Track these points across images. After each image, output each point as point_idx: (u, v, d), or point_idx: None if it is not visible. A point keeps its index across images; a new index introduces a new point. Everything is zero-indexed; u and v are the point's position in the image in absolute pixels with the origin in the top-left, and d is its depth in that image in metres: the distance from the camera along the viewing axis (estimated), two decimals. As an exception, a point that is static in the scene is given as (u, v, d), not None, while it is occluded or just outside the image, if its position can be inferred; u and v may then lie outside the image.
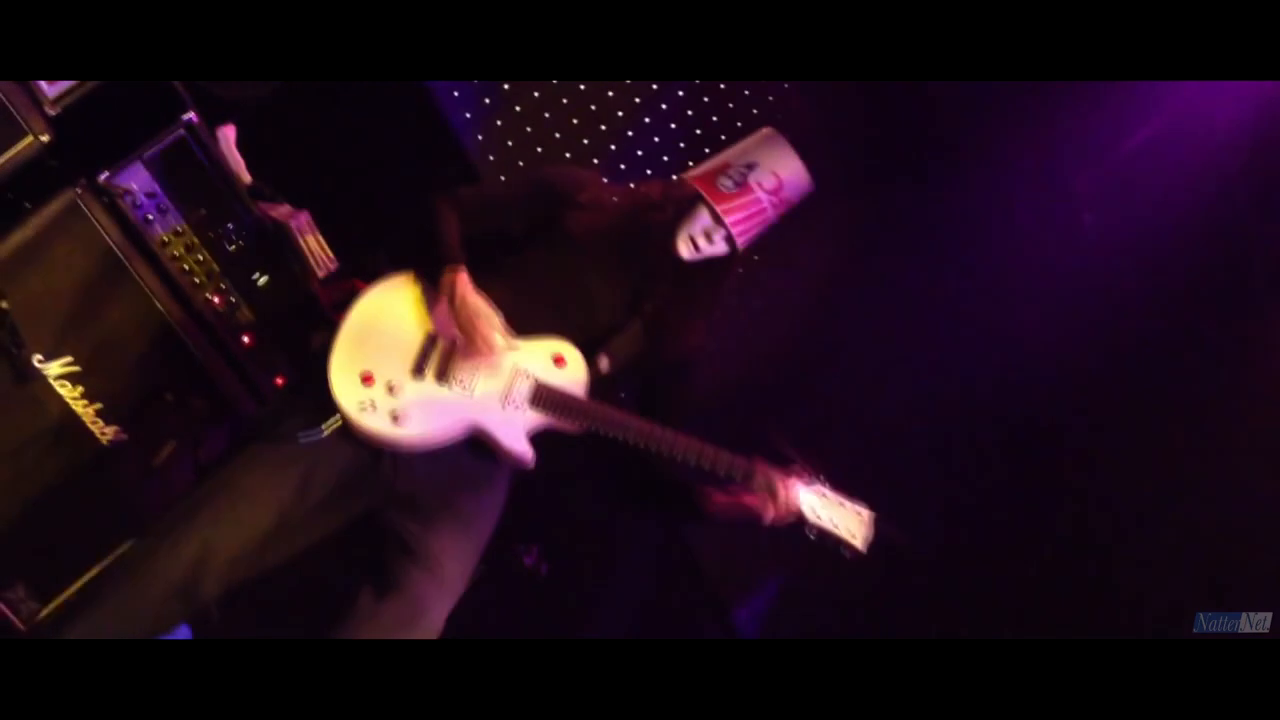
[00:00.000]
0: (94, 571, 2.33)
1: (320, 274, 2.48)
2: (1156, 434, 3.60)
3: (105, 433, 2.34)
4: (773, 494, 2.16)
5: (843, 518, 2.17)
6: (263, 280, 2.44)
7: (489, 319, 2.12)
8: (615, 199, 2.32)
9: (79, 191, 2.28)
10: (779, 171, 2.29)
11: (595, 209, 2.28)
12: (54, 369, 2.28)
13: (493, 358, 2.13)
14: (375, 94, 2.62)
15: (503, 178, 3.00)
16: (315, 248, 2.47)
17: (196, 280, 2.40)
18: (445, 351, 2.15)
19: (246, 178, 2.44)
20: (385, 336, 2.14)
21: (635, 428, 2.17)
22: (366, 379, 2.10)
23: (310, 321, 2.47)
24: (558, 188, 2.31)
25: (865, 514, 2.17)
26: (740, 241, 2.28)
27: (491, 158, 2.69)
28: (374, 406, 2.08)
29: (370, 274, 2.55)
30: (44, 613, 2.29)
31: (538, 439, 2.18)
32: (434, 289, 2.16)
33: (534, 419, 2.18)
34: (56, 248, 2.27)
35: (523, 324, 2.19)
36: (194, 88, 2.35)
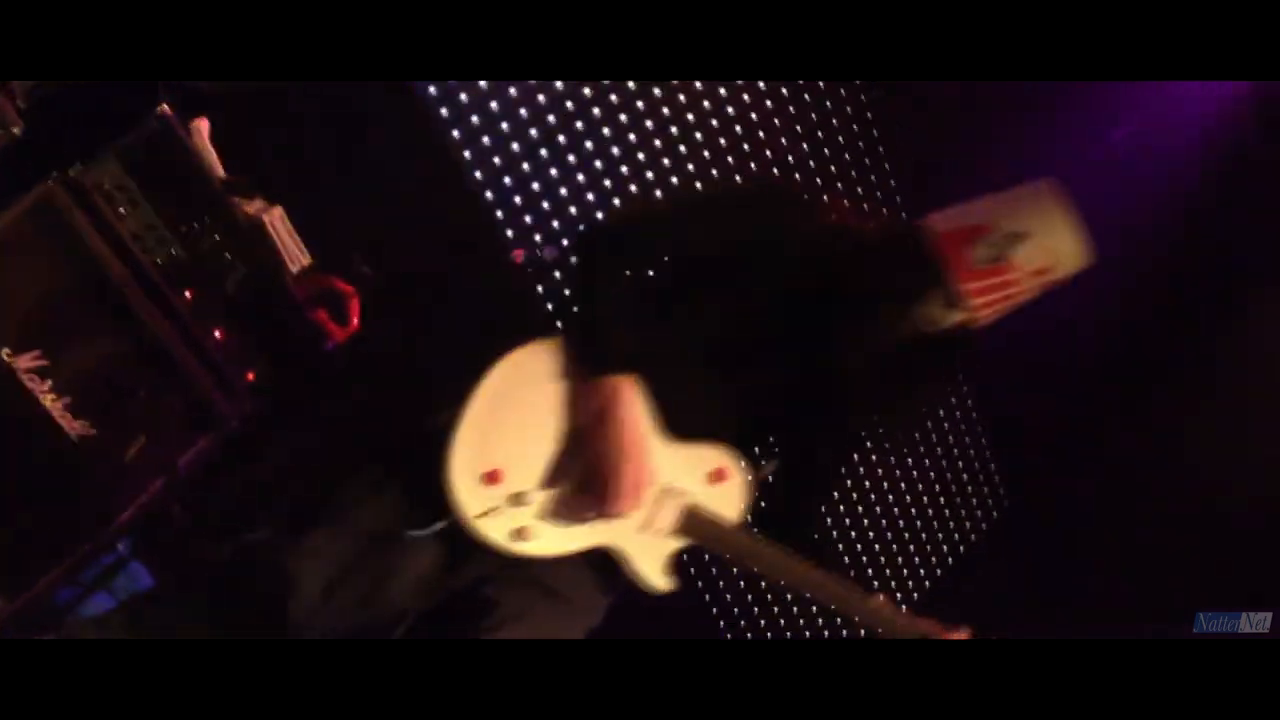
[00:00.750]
0: (61, 568, 2.29)
1: (294, 269, 2.46)
2: (1153, 430, 3.58)
3: (74, 428, 2.31)
4: None
5: None
6: (236, 275, 2.42)
7: (643, 452, 1.74)
8: (834, 232, 1.86)
9: (50, 185, 2.26)
10: (1051, 247, 1.77)
11: (803, 241, 1.83)
12: (23, 363, 2.26)
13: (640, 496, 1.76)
14: (353, 87, 2.61)
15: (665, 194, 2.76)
16: (289, 243, 2.45)
17: (168, 274, 2.37)
18: (585, 465, 1.79)
19: (220, 171, 2.42)
20: (518, 426, 1.78)
21: (799, 576, 1.84)
22: (492, 478, 1.76)
23: (283, 317, 2.46)
24: (763, 204, 1.89)
25: None
26: (980, 325, 1.83)
27: (467, 154, 2.67)
28: (496, 516, 1.77)
29: (344, 270, 2.53)
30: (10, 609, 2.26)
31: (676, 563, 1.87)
32: (585, 384, 1.77)
33: (678, 547, 1.86)
34: (26, 242, 2.25)
35: (680, 421, 1.81)
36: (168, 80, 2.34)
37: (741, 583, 3.58)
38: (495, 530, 1.78)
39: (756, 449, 1.93)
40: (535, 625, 1.88)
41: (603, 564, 1.90)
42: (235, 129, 2.46)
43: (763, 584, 3.42)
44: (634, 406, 1.77)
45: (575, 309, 1.90)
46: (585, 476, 1.80)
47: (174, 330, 2.38)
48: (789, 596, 3.63)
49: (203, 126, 2.41)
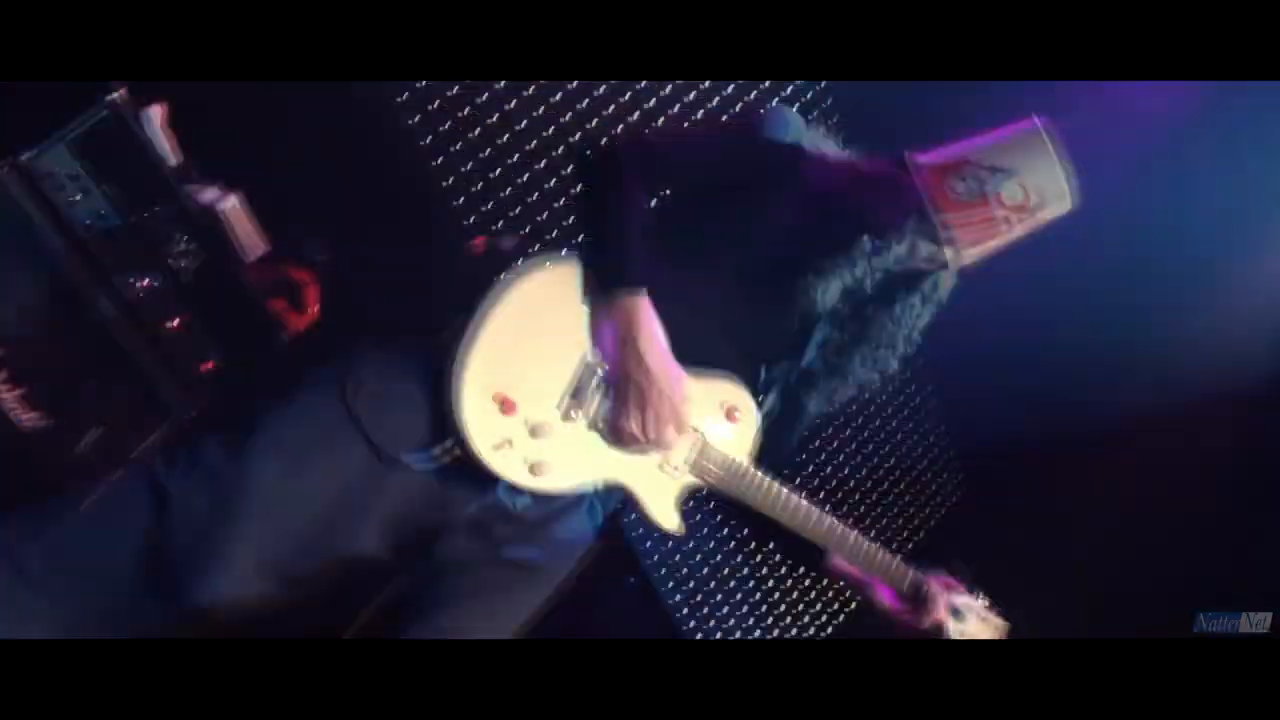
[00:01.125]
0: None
1: (250, 257, 2.43)
2: (1151, 429, 3.50)
3: (27, 419, 2.29)
4: (932, 612, 1.91)
5: (977, 629, 1.97)
6: (191, 264, 2.40)
7: (670, 378, 1.67)
8: (834, 167, 1.83)
9: (1, 172, 2.25)
10: (1033, 185, 1.75)
11: (808, 173, 1.80)
12: (-26, 354, 2.24)
13: (670, 429, 1.69)
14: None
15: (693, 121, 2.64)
16: (246, 230, 2.43)
17: (122, 264, 2.35)
18: (598, 389, 1.70)
19: (175, 159, 2.40)
20: (535, 349, 1.67)
21: (809, 517, 1.80)
22: (506, 406, 1.64)
23: (239, 305, 2.43)
24: (781, 143, 1.82)
25: (1000, 626, 1.99)
26: (955, 262, 1.81)
27: (424, 142, 2.63)
28: (510, 447, 1.65)
29: (303, 258, 2.50)
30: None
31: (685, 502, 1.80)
32: (604, 303, 1.68)
33: (690, 485, 1.79)
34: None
35: (691, 349, 1.73)
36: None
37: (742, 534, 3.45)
38: (507, 466, 1.65)
39: (757, 384, 1.85)
40: (502, 601, 1.80)
41: (580, 521, 1.82)
42: (192, 116, 2.44)
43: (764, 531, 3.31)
44: (658, 330, 1.68)
45: (591, 224, 1.75)
46: (622, 404, 1.69)
47: (128, 320, 2.36)
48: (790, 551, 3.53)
49: (156, 113, 2.39)
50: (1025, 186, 1.75)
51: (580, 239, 1.78)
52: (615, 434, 1.71)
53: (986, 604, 2.01)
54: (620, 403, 1.69)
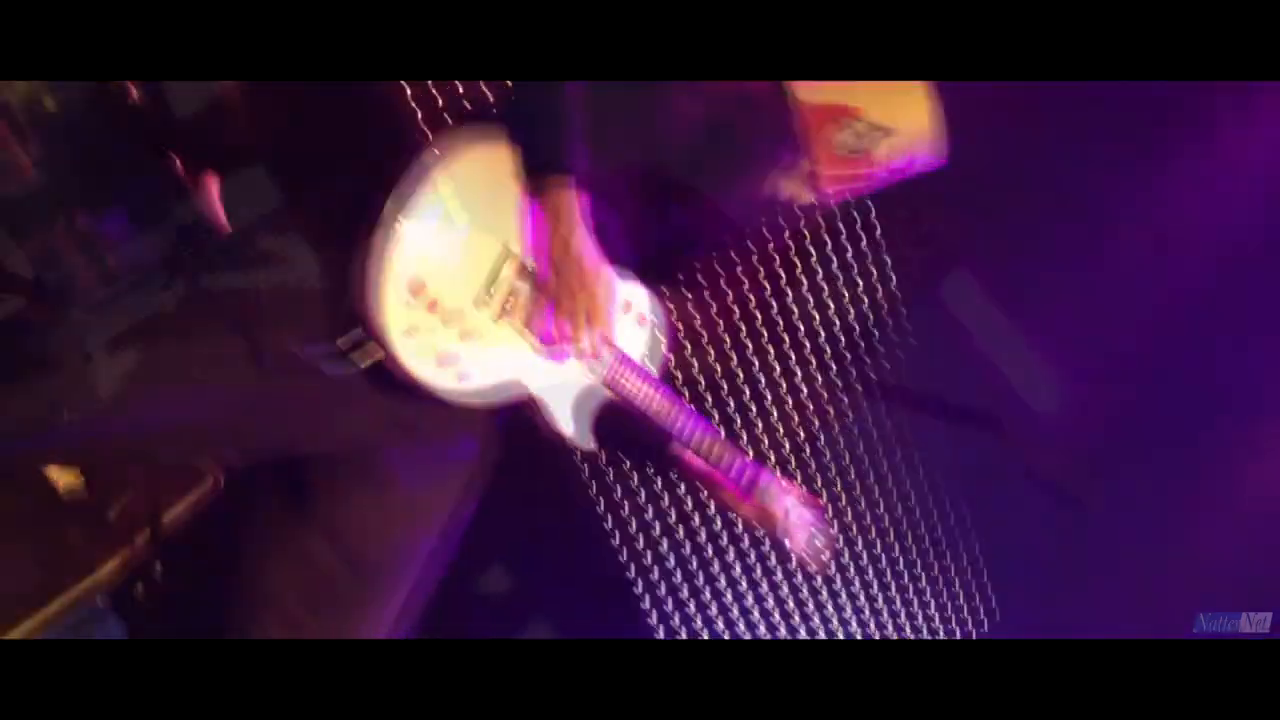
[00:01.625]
0: (39, 617, 2.20)
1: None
2: (1155, 430, 3.55)
3: (60, 479, 2.22)
4: (773, 512, 1.91)
5: (802, 531, 1.98)
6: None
7: (600, 275, 1.58)
8: (725, 94, 1.74)
9: (58, 233, 2.27)
10: (915, 150, 1.72)
11: (700, 94, 1.74)
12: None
13: (596, 331, 1.61)
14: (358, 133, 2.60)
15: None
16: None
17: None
18: (518, 281, 1.60)
19: (227, 229, 2.48)
20: (456, 235, 1.53)
21: (695, 429, 1.77)
22: (417, 289, 1.50)
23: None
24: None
25: (833, 536, 2.01)
26: (828, 203, 1.83)
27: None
28: (421, 333, 1.51)
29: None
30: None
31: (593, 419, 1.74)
32: (534, 189, 1.57)
33: (589, 389, 1.72)
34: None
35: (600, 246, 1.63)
36: (171, 134, 2.36)
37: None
38: (416, 359, 1.51)
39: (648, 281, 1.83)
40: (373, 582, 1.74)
41: (471, 439, 1.74)
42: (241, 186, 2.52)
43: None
44: (582, 217, 1.59)
45: (525, 104, 1.62)
46: (550, 300, 1.62)
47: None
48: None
49: (212, 184, 2.48)
50: (904, 146, 1.72)
51: (511, 118, 1.64)
52: (536, 330, 1.62)
53: (820, 512, 2.00)
54: (548, 298, 1.62)
